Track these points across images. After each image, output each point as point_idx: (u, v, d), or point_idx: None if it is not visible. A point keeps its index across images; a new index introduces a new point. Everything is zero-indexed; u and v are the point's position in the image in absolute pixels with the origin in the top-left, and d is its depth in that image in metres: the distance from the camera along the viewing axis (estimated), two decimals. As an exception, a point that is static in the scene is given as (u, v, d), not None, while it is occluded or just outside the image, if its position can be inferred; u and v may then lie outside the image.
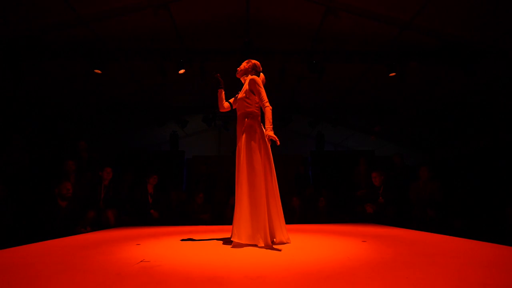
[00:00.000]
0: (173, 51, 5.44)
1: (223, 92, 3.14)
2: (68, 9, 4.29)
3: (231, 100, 3.21)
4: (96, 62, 5.20)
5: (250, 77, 2.96)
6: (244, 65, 3.09)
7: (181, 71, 5.46)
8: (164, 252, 2.41)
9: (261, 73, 3.09)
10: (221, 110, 3.20)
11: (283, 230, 2.80)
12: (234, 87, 3.34)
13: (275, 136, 2.65)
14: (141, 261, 2.01)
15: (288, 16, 5.18)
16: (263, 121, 2.89)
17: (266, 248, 2.51)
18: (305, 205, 6.54)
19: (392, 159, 6.48)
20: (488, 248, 2.45)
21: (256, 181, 2.71)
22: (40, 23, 4.53)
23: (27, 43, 4.83)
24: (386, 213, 5.15)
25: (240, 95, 3.01)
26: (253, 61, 3.10)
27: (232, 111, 3.27)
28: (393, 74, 5.38)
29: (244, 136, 2.86)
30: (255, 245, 2.61)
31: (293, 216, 6.14)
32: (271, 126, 2.71)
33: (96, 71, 5.25)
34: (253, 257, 2.18)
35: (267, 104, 2.79)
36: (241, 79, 3.15)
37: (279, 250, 2.45)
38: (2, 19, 4.26)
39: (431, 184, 5.07)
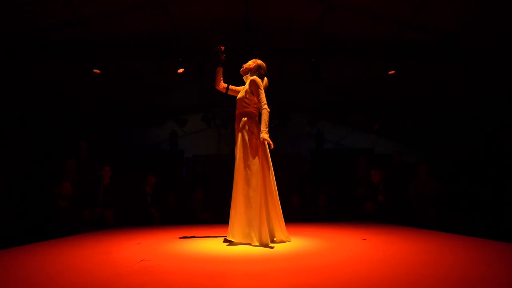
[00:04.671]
0: (172, 50, 5.43)
1: (222, 70, 3.10)
2: (67, 9, 4.28)
3: (232, 87, 3.15)
4: (95, 61, 5.19)
5: (251, 77, 2.95)
6: (249, 63, 3.05)
7: (180, 70, 5.45)
8: (165, 251, 2.42)
9: (265, 77, 3.05)
10: (216, 87, 3.16)
11: (282, 229, 2.81)
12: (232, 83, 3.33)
13: (269, 139, 2.66)
14: (142, 260, 2.01)
15: (287, 14, 5.17)
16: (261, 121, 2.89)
17: (261, 246, 2.52)
18: (305, 203, 6.55)
19: (392, 157, 6.48)
20: (489, 245, 2.45)
21: (251, 181, 2.71)
22: (39, 23, 4.52)
23: (26, 43, 4.82)
24: (386, 210, 5.16)
25: (240, 94, 3.00)
26: (260, 62, 3.05)
27: (231, 110, 3.26)
28: (392, 72, 5.38)
29: (241, 136, 2.87)
30: (249, 244, 2.63)
31: (293, 214, 6.14)
32: (267, 129, 2.71)
33: (95, 70, 5.24)
34: (252, 255, 2.19)
35: (265, 106, 2.78)
36: (243, 77, 3.13)
37: (272, 247, 2.46)
38: (1, 19, 4.25)
39: (430, 181, 5.07)
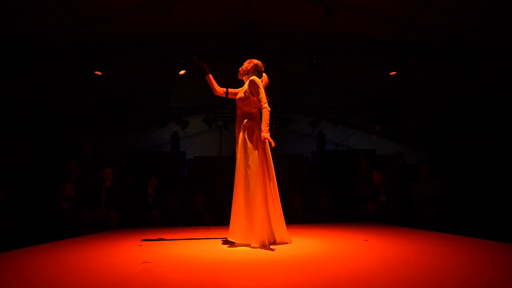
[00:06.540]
0: (174, 52, 5.44)
1: (211, 76, 3.09)
2: (69, 12, 4.30)
3: (231, 90, 3.14)
4: (96, 64, 5.21)
5: (250, 77, 2.94)
6: (245, 65, 3.04)
7: (182, 72, 5.46)
8: (167, 253, 2.42)
9: (264, 74, 3.04)
10: (216, 94, 3.15)
11: (283, 229, 2.80)
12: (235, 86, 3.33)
13: (270, 138, 2.64)
14: (144, 262, 2.02)
15: (288, 15, 5.18)
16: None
17: (261, 248, 2.52)
18: (307, 205, 6.54)
19: (394, 157, 6.46)
20: (491, 246, 2.44)
21: (251, 182, 2.71)
22: (41, 26, 4.54)
23: (29, 45, 4.84)
24: (388, 211, 5.15)
25: (240, 95, 3.00)
26: (255, 61, 3.03)
27: (232, 111, 3.26)
28: (394, 73, 5.37)
29: (241, 136, 2.87)
30: (249, 245, 2.62)
31: (294, 216, 6.13)
32: (268, 127, 2.70)
33: (96, 72, 5.26)
34: (253, 256, 2.19)
35: (266, 105, 2.76)
36: (243, 79, 3.13)
37: (273, 250, 2.44)
38: (3, 21, 4.28)
39: (432, 181, 5.06)
